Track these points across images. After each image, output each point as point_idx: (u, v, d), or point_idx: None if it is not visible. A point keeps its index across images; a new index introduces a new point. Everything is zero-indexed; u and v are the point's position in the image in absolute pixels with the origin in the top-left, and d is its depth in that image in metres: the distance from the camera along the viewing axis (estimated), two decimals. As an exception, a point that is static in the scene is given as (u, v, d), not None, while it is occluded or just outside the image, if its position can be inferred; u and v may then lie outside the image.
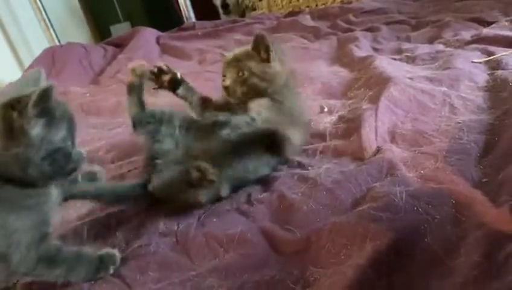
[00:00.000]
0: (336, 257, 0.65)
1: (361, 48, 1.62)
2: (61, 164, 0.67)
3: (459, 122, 0.95)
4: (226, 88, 0.97)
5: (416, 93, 1.09)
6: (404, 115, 1.03)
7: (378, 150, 0.90)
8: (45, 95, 0.62)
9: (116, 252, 0.75)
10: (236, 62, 0.97)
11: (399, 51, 1.54)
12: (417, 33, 1.72)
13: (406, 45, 1.58)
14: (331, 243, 0.66)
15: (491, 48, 1.33)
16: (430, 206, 0.68)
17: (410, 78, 1.18)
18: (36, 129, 0.63)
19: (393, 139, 0.96)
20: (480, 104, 1.02)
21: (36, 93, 0.61)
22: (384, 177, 0.80)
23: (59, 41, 2.57)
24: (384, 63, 1.33)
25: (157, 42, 2.41)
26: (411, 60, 1.42)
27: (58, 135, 0.66)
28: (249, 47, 0.99)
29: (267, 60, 0.97)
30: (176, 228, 0.80)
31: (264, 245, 0.71)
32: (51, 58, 2.24)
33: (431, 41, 1.59)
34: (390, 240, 0.62)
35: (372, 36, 1.76)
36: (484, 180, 0.75)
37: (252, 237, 0.72)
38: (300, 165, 0.93)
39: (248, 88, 0.96)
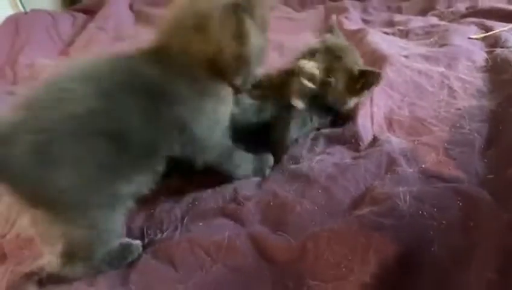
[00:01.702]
0: (335, 268, 0.59)
1: (351, 19, 1.52)
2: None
3: (459, 109, 0.89)
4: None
5: (413, 74, 1.02)
6: (400, 99, 0.96)
7: (375, 140, 0.84)
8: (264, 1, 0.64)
9: (269, 156, 0.83)
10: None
11: (391, 24, 1.45)
12: (409, 3, 1.63)
13: (397, 17, 1.49)
14: (330, 252, 0.60)
15: (488, 23, 1.26)
16: (435, 209, 0.63)
17: (406, 57, 1.11)
18: (256, 32, 0.64)
19: (390, 127, 0.89)
20: (479, 87, 0.96)
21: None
22: (383, 173, 0.74)
23: (24, 7, 2.36)
24: (377, 38, 1.24)
25: (131, 9, 2.24)
26: (404, 34, 1.34)
27: (263, 39, 0.67)
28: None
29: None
30: (158, 233, 0.73)
31: (254, 254, 0.64)
32: (15, 27, 2.04)
33: (424, 13, 1.51)
34: (395, 252, 0.57)
35: (362, 6, 1.65)
36: (489, 176, 0.70)
37: (240, 245, 0.65)
38: (291, 158, 0.86)
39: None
